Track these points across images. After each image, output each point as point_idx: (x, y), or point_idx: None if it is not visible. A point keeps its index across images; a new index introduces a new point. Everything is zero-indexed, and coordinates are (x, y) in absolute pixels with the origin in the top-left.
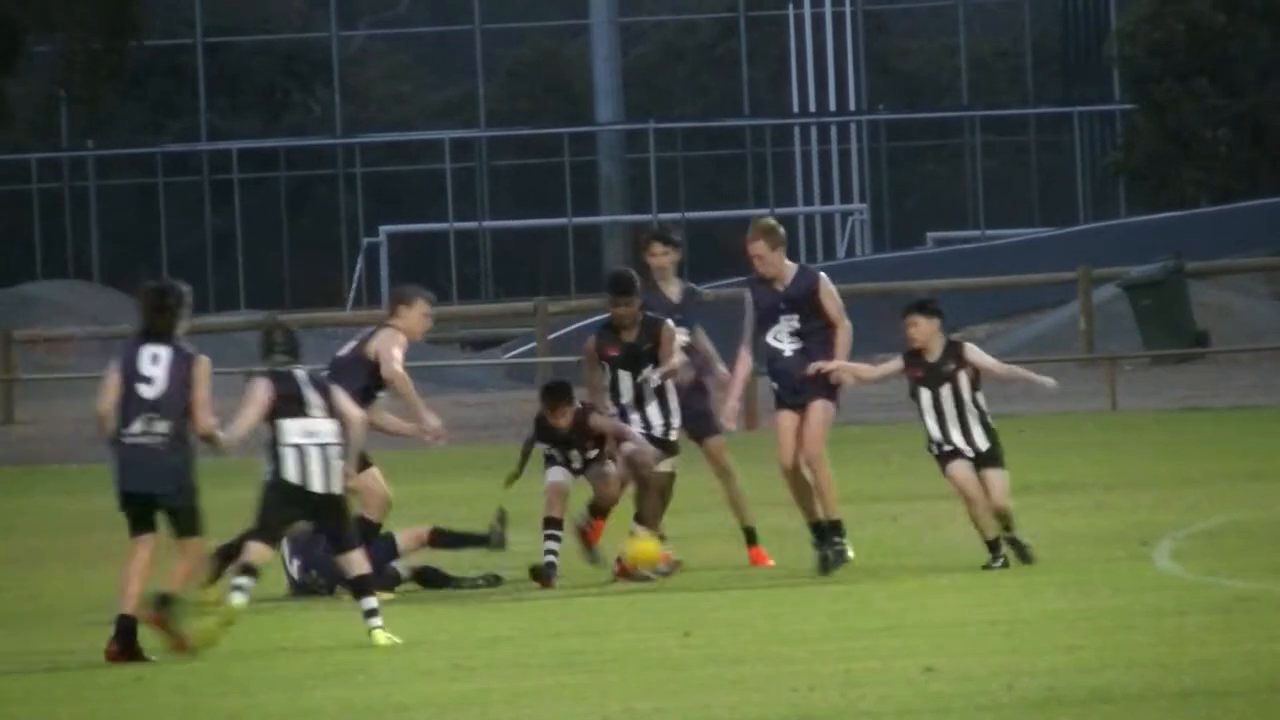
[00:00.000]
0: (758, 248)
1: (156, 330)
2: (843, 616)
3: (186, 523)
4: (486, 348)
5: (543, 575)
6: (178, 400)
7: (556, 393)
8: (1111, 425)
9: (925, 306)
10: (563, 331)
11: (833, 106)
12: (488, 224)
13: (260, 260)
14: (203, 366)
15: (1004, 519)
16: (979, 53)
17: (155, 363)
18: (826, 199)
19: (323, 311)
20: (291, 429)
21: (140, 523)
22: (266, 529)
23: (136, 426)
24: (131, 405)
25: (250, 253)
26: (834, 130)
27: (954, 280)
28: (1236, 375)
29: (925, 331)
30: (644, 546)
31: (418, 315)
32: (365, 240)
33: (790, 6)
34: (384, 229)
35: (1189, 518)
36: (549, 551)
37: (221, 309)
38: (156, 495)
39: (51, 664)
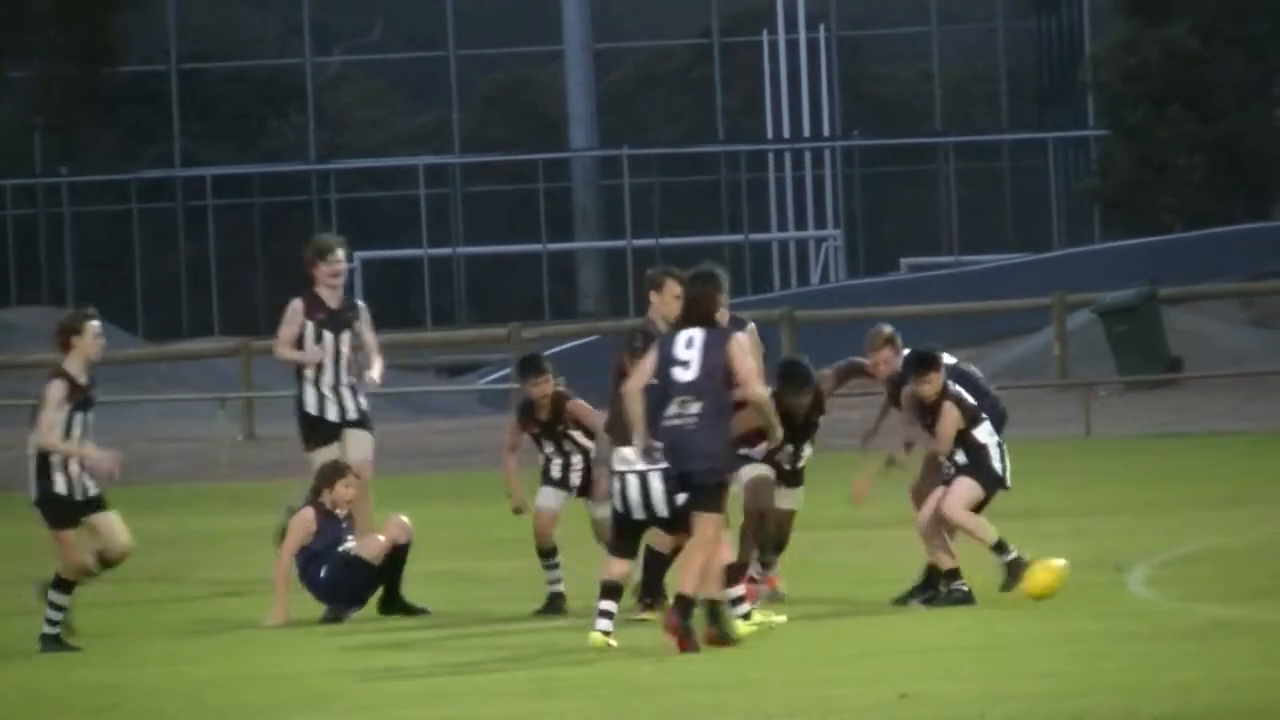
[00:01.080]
0: (885, 355)
1: (693, 316)
2: (820, 643)
3: (705, 498)
4: (461, 374)
5: (553, 607)
6: (712, 381)
7: (530, 363)
8: (1086, 451)
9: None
10: None
11: (807, 132)
12: (462, 250)
13: (234, 287)
14: (736, 341)
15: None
16: (953, 78)
17: (689, 346)
18: (801, 225)
19: None
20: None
21: (693, 506)
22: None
23: (672, 409)
24: (669, 390)
25: (224, 279)
26: (808, 156)
27: (928, 306)
28: (1211, 401)
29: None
30: (1045, 575)
31: (667, 298)
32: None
33: (765, 32)
34: (358, 255)
35: (1164, 543)
36: (552, 582)
37: (195, 335)
38: (688, 473)
39: (23, 691)
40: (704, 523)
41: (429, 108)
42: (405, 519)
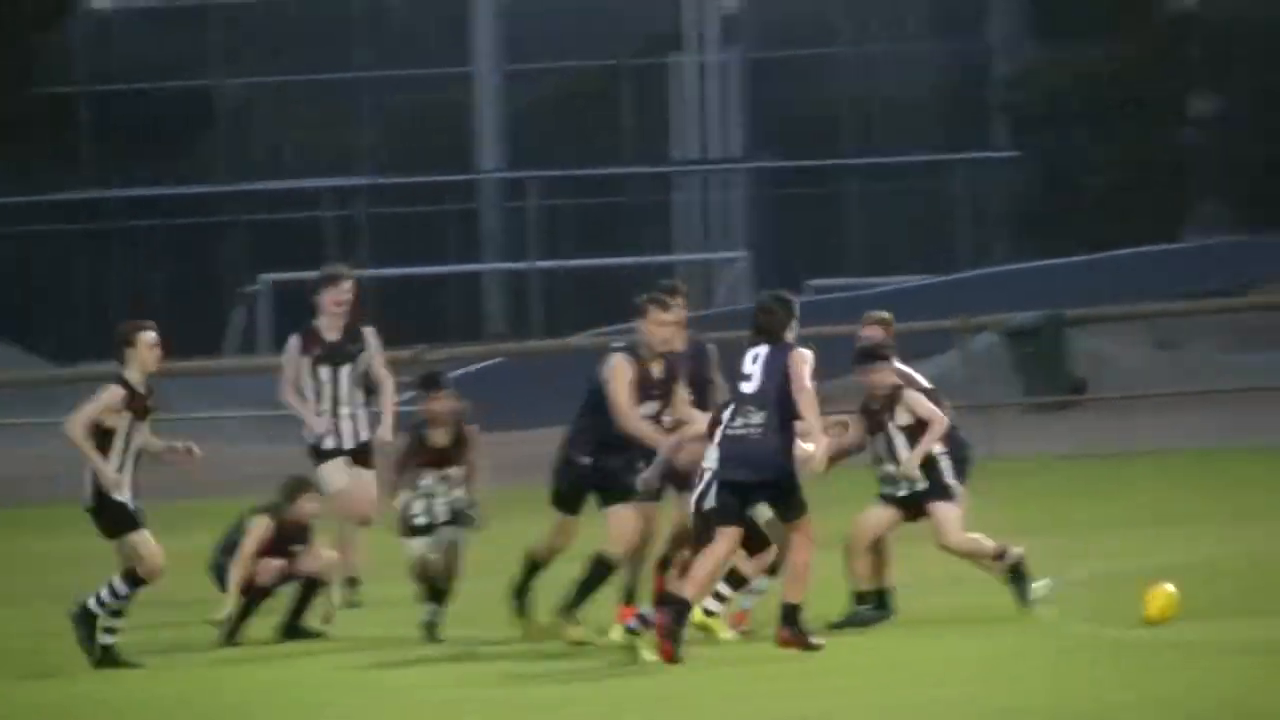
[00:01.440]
0: (873, 332)
1: (762, 333)
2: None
3: (790, 506)
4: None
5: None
6: (772, 392)
7: (431, 379)
8: (991, 473)
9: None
10: None
11: (713, 154)
12: (369, 272)
13: (139, 309)
14: (797, 357)
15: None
16: (861, 100)
17: (754, 361)
18: (707, 247)
19: (205, 360)
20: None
21: (727, 514)
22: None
23: (737, 421)
24: (734, 401)
25: (130, 301)
26: (715, 178)
27: (834, 327)
28: (1116, 422)
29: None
30: (1163, 597)
31: (651, 324)
32: (246, 288)
33: (674, 55)
34: (264, 277)
35: (1071, 564)
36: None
37: (103, 358)
38: (754, 481)
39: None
40: (798, 530)
41: (338, 130)
42: (330, 553)
